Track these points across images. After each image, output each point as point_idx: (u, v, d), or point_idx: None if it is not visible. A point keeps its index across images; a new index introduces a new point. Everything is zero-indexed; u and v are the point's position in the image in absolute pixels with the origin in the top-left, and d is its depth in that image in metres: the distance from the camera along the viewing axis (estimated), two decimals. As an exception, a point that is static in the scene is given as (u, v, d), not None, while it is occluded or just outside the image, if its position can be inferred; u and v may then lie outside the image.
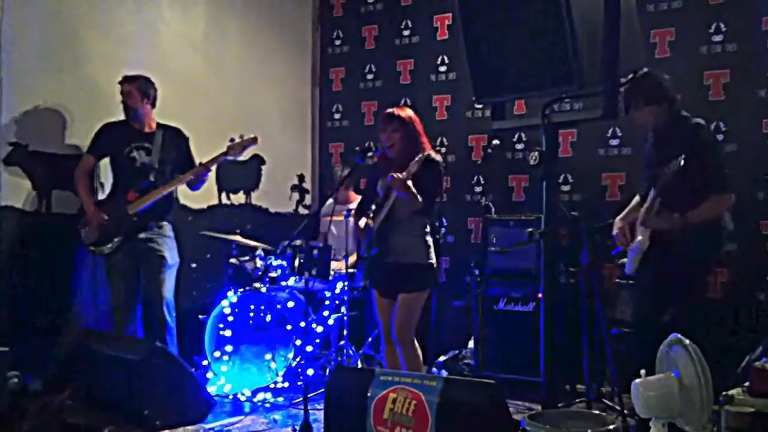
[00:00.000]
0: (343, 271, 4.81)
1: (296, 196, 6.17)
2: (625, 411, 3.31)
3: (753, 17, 4.64)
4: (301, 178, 6.20)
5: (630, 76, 3.09)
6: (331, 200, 5.27)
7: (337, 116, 6.29)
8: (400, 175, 3.55)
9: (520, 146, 5.44)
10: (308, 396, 3.40)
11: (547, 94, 2.99)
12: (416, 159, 3.62)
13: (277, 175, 5.94)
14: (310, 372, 4.34)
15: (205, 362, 4.61)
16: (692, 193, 3.48)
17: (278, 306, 4.64)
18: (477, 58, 3.14)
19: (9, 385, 3.70)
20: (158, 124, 4.52)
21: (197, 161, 4.51)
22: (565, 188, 5.22)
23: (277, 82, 6.01)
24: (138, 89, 4.39)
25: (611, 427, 2.69)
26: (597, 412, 3.09)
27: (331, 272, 4.77)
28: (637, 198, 3.87)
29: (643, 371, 2.78)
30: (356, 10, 6.17)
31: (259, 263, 4.81)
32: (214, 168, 4.56)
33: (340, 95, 6.27)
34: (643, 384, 2.72)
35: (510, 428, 2.81)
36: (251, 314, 4.64)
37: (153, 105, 4.48)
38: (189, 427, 3.72)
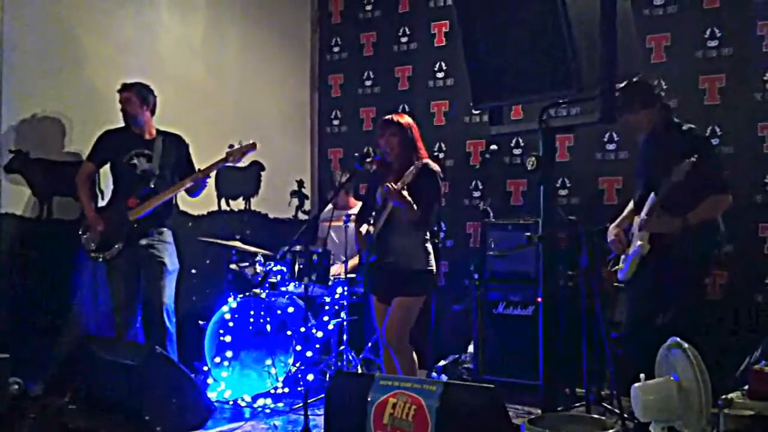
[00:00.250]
0: (342, 276, 4.82)
1: (296, 201, 6.17)
2: (625, 414, 3.31)
3: (748, 21, 4.67)
4: (301, 183, 6.21)
5: (624, 83, 3.12)
6: (330, 205, 5.27)
7: (335, 122, 6.30)
8: (395, 186, 3.57)
9: (517, 151, 5.46)
10: (308, 401, 3.41)
11: (546, 97, 2.99)
12: (410, 170, 3.63)
13: (277, 181, 5.95)
14: (310, 377, 4.34)
15: (205, 368, 4.62)
16: (692, 195, 3.51)
17: (278, 311, 4.64)
18: (475, 58, 3.12)
19: (10, 392, 3.71)
20: (158, 131, 4.53)
21: (197, 167, 4.52)
22: (563, 192, 5.24)
23: (277, 86, 6.02)
24: (136, 95, 4.38)
25: (611, 430, 2.70)
26: (596, 415, 3.10)
27: (331, 277, 4.78)
28: (631, 205, 3.90)
29: (642, 375, 2.80)
30: (354, 16, 6.18)
31: (258, 269, 4.82)
32: (213, 174, 4.57)
33: (338, 101, 6.28)
34: (643, 387, 2.74)
35: (509, 432, 2.82)
36: (251, 320, 4.64)
37: (152, 112, 4.48)
38: (189, 433, 3.72)
